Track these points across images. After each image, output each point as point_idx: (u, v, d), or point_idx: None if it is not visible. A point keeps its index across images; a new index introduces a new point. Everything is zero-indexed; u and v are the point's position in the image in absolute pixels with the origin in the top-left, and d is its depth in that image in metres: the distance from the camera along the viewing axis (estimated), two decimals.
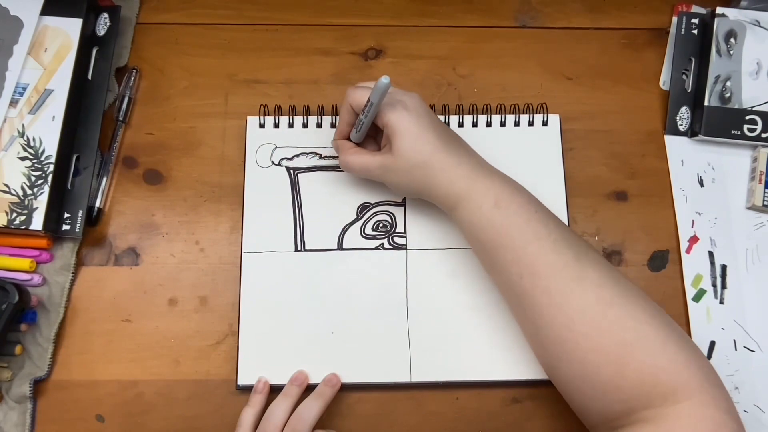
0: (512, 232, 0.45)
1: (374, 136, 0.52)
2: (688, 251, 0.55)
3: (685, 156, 0.57)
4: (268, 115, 0.56)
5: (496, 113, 0.57)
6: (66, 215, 0.53)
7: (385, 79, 0.43)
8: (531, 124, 0.57)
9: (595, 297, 0.43)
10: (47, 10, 0.55)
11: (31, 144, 0.52)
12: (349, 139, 0.52)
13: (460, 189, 0.47)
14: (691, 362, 0.41)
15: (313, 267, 0.53)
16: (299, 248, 0.53)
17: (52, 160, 0.52)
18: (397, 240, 0.54)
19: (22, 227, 0.50)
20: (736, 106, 0.56)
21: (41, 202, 0.51)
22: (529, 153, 0.56)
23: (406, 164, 0.47)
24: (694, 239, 0.55)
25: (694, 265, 0.54)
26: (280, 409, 0.47)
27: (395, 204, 0.55)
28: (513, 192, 0.47)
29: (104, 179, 0.55)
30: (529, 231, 0.45)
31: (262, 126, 0.56)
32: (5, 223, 0.50)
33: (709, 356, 0.52)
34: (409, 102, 0.48)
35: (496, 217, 0.45)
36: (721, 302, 0.54)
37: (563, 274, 0.43)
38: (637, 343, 0.41)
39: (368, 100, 0.46)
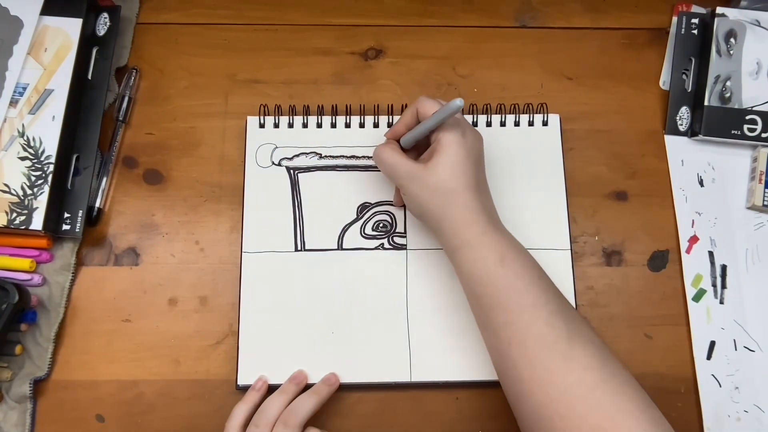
0: (510, 295, 0.44)
1: (417, 146, 0.51)
2: (688, 251, 0.55)
3: (685, 156, 0.57)
4: (268, 115, 0.56)
5: (496, 113, 0.57)
6: (66, 215, 0.53)
7: (459, 102, 0.43)
8: (531, 124, 0.57)
9: (579, 379, 0.41)
10: (47, 10, 0.55)
11: (31, 144, 0.52)
12: (398, 141, 0.51)
13: (472, 234, 0.45)
14: None
15: (313, 267, 0.53)
16: (299, 248, 0.53)
17: (52, 160, 0.52)
18: (397, 240, 0.54)
19: (22, 227, 0.50)
20: (736, 106, 0.56)
21: (41, 202, 0.51)
22: (529, 153, 0.56)
23: (435, 183, 0.46)
24: (694, 239, 0.55)
25: (694, 265, 0.54)
26: (275, 404, 0.47)
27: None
28: (519, 253, 0.46)
29: (104, 179, 0.55)
30: (528, 297, 0.44)
31: (262, 126, 0.56)
32: (5, 223, 0.50)
33: (709, 356, 0.52)
34: (470, 134, 0.47)
35: (499, 274, 0.44)
36: (721, 302, 0.54)
37: (551, 350, 0.42)
38: (614, 430, 0.40)
39: (435, 113, 0.46)
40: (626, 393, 0.42)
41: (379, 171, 0.55)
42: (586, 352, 0.43)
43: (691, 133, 0.58)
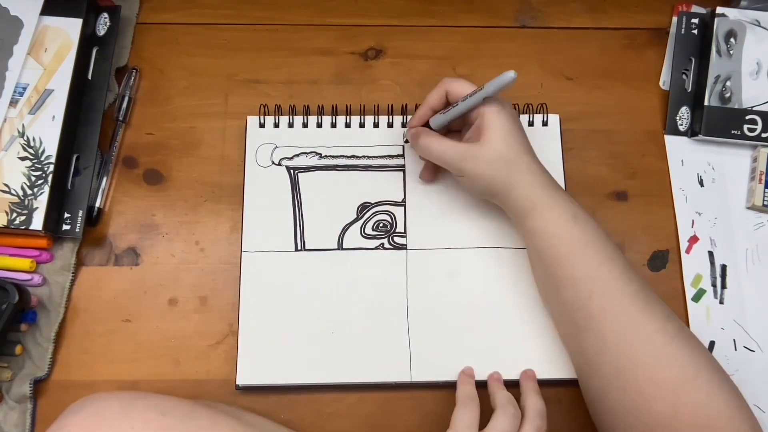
0: (588, 250, 0.45)
1: (445, 132, 0.52)
2: (688, 251, 0.55)
3: (685, 156, 0.57)
4: (268, 114, 0.56)
5: None
6: (66, 215, 0.53)
7: (512, 74, 0.44)
8: (531, 124, 0.57)
9: (661, 328, 0.43)
10: (47, 10, 0.55)
11: (31, 144, 0.52)
12: (426, 125, 0.52)
13: (542, 195, 0.47)
14: (743, 408, 0.41)
15: (313, 267, 0.53)
16: (299, 248, 0.53)
17: (52, 160, 0.52)
18: (397, 240, 0.54)
19: (22, 227, 0.50)
20: (736, 106, 0.56)
21: (41, 202, 0.51)
22: None
23: (493, 155, 0.47)
24: (694, 239, 0.55)
25: (694, 265, 0.54)
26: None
27: (395, 204, 0.55)
28: (586, 212, 0.47)
29: (104, 179, 0.55)
30: (604, 251, 0.45)
31: (262, 126, 0.56)
32: (5, 223, 0.50)
33: None
34: (507, 105, 0.49)
35: (575, 231, 0.46)
36: (721, 302, 0.54)
37: (633, 301, 0.43)
38: (695, 381, 0.41)
39: (479, 88, 0.47)
40: (696, 345, 0.43)
41: (379, 171, 0.55)
42: (660, 304, 0.44)
43: (691, 133, 0.58)
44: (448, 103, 0.50)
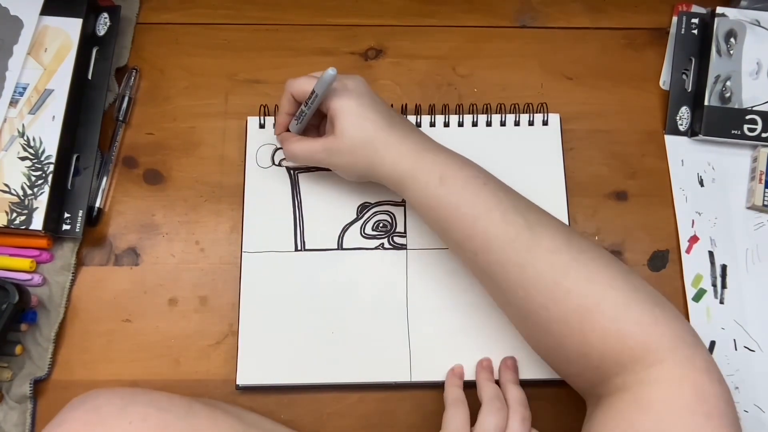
0: (461, 208, 0.44)
1: (317, 125, 0.53)
2: (688, 251, 0.55)
3: (685, 156, 0.57)
4: (269, 115, 0.56)
5: (496, 113, 0.57)
6: (66, 215, 0.53)
7: (332, 71, 0.44)
8: (531, 123, 0.57)
9: (549, 265, 0.42)
10: (47, 10, 0.55)
11: (31, 144, 0.52)
12: (288, 130, 0.53)
13: (406, 167, 0.46)
14: (660, 322, 0.40)
15: (313, 267, 0.53)
16: (299, 248, 0.53)
17: (52, 160, 0.52)
18: (397, 240, 0.54)
19: (22, 227, 0.50)
20: (736, 106, 0.56)
21: (41, 202, 0.51)
22: (529, 153, 0.56)
23: (349, 144, 0.47)
24: (694, 239, 0.55)
25: (694, 265, 0.54)
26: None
27: (395, 204, 0.55)
28: (461, 166, 0.46)
29: (104, 179, 0.55)
30: (478, 204, 0.44)
31: (262, 126, 0.56)
32: (5, 223, 0.50)
33: None
34: (351, 84, 0.48)
35: (443, 194, 0.45)
36: (721, 302, 0.54)
37: (515, 246, 0.43)
38: (597, 308, 0.40)
39: (312, 91, 0.47)
40: (599, 267, 0.42)
41: None
42: (551, 237, 0.43)
43: (691, 133, 0.58)
44: (299, 103, 0.50)
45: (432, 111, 0.57)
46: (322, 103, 0.48)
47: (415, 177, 0.46)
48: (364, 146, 0.47)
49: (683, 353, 0.39)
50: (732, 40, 0.57)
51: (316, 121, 0.52)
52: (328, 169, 0.55)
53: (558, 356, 0.44)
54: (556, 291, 0.41)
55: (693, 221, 0.55)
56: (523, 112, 0.57)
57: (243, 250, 0.53)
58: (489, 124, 0.57)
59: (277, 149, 0.56)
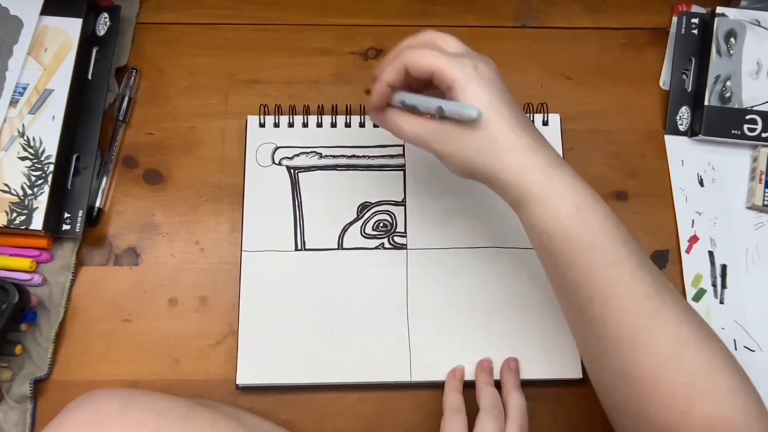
0: (591, 251, 0.39)
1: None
2: (688, 251, 0.55)
3: (685, 156, 0.57)
4: (269, 114, 0.56)
5: None
6: (66, 215, 0.53)
7: (473, 113, 0.38)
8: None
9: (673, 336, 0.38)
10: (47, 10, 0.55)
11: (31, 144, 0.52)
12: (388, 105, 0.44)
13: (534, 183, 0.39)
14: (762, 416, 0.38)
15: (313, 266, 0.53)
16: (299, 248, 0.53)
17: (52, 160, 0.52)
18: (398, 240, 0.54)
19: (22, 227, 0.50)
20: (736, 106, 0.56)
21: (41, 202, 0.51)
22: None
23: (470, 133, 0.40)
24: (694, 239, 0.55)
25: (694, 265, 0.54)
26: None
27: (395, 204, 0.55)
28: (594, 200, 0.40)
29: (104, 179, 0.55)
30: (611, 252, 0.39)
31: (262, 125, 0.56)
32: (5, 223, 0.50)
33: None
34: (483, 68, 0.41)
35: (575, 230, 0.39)
36: (721, 302, 0.54)
37: (642, 307, 0.39)
38: (709, 391, 0.38)
39: (440, 108, 0.40)
40: (716, 348, 0.39)
41: (379, 170, 0.55)
42: (676, 305, 0.39)
43: (691, 133, 0.58)
44: (408, 77, 0.42)
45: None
46: (447, 81, 0.40)
47: (546, 198, 0.39)
48: (489, 144, 0.40)
49: None
50: (732, 40, 0.57)
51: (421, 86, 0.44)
52: (331, 168, 0.55)
53: (639, 425, 0.40)
54: (671, 363, 0.38)
55: (693, 221, 0.55)
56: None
57: (243, 249, 0.53)
58: None
59: (277, 148, 0.56)
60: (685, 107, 0.58)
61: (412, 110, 0.43)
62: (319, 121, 0.56)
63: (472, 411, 0.47)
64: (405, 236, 0.54)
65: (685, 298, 0.54)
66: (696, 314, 0.40)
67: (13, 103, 0.53)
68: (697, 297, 0.54)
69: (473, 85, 0.40)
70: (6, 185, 0.51)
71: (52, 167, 0.51)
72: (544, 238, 0.40)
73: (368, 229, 0.54)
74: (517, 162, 0.40)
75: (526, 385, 0.50)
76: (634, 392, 0.39)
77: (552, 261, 0.41)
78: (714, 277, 0.54)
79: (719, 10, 0.58)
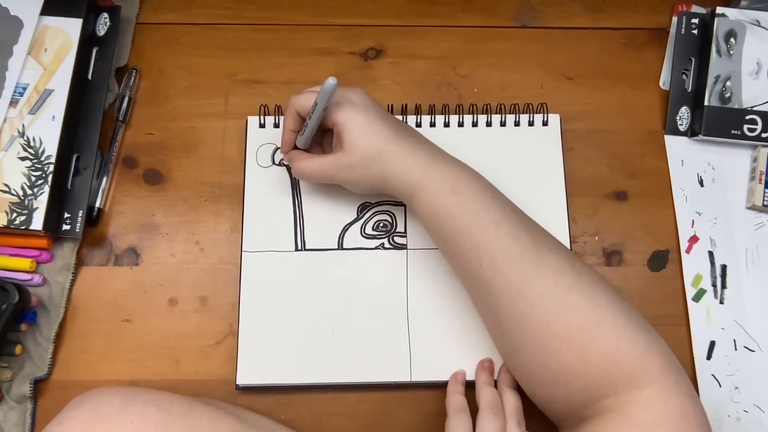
0: (470, 218, 0.45)
1: (320, 142, 0.53)
2: (688, 251, 0.55)
3: (685, 156, 0.57)
4: (269, 115, 0.56)
5: (496, 113, 0.57)
6: (66, 215, 0.53)
7: (332, 80, 0.43)
8: (531, 123, 0.57)
9: (554, 282, 0.43)
10: (47, 10, 0.55)
11: (31, 144, 0.52)
12: (295, 147, 0.52)
13: (416, 177, 0.46)
14: (652, 347, 0.41)
15: (314, 267, 0.53)
16: (299, 248, 0.53)
17: (52, 160, 0.52)
18: (398, 240, 0.54)
19: (22, 227, 0.50)
20: (736, 106, 0.56)
21: (41, 202, 0.51)
22: (529, 153, 0.56)
23: (360, 158, 0.47)
24: (694, 239, 0.55)
25: (694, 265, 0.54)
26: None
27: (396, 204, 0.55)
28: (470, 178, 0.47)
29: (104, 179, 0.55)
30: (487, 216, 0.45)
31: (262, 126, 0.56)
32: (5, 223, 0.50)
33: (709, 356, 0.52)
34: (355, 97, 0.48)
35: (453, 204, 0.45)
36: (721, 302, 0.54)
37: (522, 260, 0.43)
38: (598, 328, 0.41)
39: (314, 102, 0.46)
40: (599, 290, 0.43)
41: None
42: (554, 257, 0.44)
43: (691, 133, 0.58)
44: (303, 120, 0.49)
45: (432, 111, 0.57)
46: (327, 118, 0.48)
47: (427, 186, 0.46)
48: (375, 159, 0.47)
49: (671, 378, 0.40)
50: (732, 40, 0.57)
51: (318, 137, 0.52)
52: None
53: (548, 377, 0.43)
54: (560, 307, 0.42)
55: (693, 221, 0.55)
56: (523, 113, 0.57)
57: (243, 250, 0.53)
58: (489, 124, 0.57)
59: (277, 148, 0.56)
60: (685, 107, 0.58)
61: (309, 142, 0.51)
62: None
63: (472, 410, 0.47)
64: (405, 236, 0.54)
65: (685, 298, 0.54)
66: (580, 263, 0.45)
67: (13, 103, 0.53)
68: (697, 297, 0.54)
69: (349, 111, 0.47)
70: (6, 185, 0.51)
71: (52, 167, 0.51)
72: (433, 219, 0.46)
73: (368, 229, 0.54)
74: (400, 167, 0.47)
75: None
76: (536, 346, 0.43)
77: (443, 238, 0.47)
78: (714, 277, 0.54)
79: (719, 10, 0.58)
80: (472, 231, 0.45)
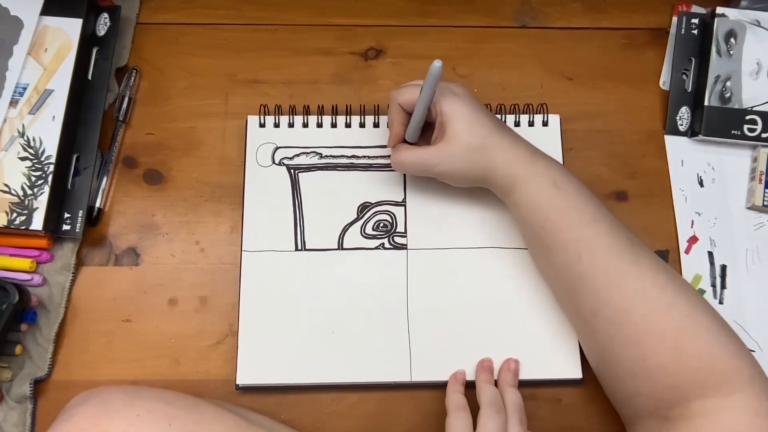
0: (572, 212, 0.46)
1: (421, 135, 0.52)
2: (687, 251, 0.55)
3: (685, 156, 0.57)
4: (269, 114, 0.56)
5: (496, 113, 0.57)
6: (66, 215, 0.53)
7: (438, 63, 0.43)
8: (531, 124, 0.57)
9: (652, 281, 0.43)
10: (47, 10, 0.55)
11: (31, 144, 0.52)
12: (404, 141, 0.52)
13: (519, 169, 0.47)
14: (743, 354, 0.42)
15: (314, 267, 0.53)
16: (299, 248, 0.53)
17: (52, 160, 0.52)
18: (398, 240, 0.54)
19: (23, 227, 0.50)
20: (736, 106, 0.56)
21: (41, 202, 0.51)
22: None
23: (463, 148, 0.47)
24: (693, 239, 0.55)
25: (693, 265, 0.54)
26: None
27: (396, 204, 0.55)
28: (569, 175, 0.47)
29: (104, 179, 0.55)
30: (587, 213, 0.46)
31: (262, 125, 0.56)
32: (5, 223, 0.50)
33: None
34: (458, 90, 0.49)
35: (556, 197, 0.46)
36: (721, 302, 0.54)
37: (621, 257, 0.44)
38: (693, 329, 0.42)
39: (421, 90, 0.46)
40: (692, 293, 0.44)
41: (379, 170, 0.55)
42: (649, 257, 0.45)
43: (691, 133, 0.58)
44: (409, 114, 0.50)
45: None
46: (434, 108, 0.48)
47: (530, 178, 0.47)
48: (478, 150, 0.47)
49: (761, 386, 0.41)
50: (732, 40, 0.57)
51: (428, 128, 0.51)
52: (331, 168, 0.55)
53: (638, 370, 0.43)
54: (658, 304, 0.43)
55: (693, 221, 0.55)
56: (523, 113, 0.57)
57: (243, 249, 0.53)
58: None
59: (277, 148, 0.56)
60: (685, 107, 0.58)
61: (419, 134, 0.50)
62: (319, 121, 0.56)
63: (473, 410, 0.47)
64: (405, 236, 0.54)
65: None
66: (669, 267, 0.46)
67: (13, 103, 0.53)
68: None
69: (455, 102, 0.47)
70: (6, 185, 0.51)
71: (52, 167, 0.51)
72: (533, 210, 0.47)
73: (368, 229, 0.54)
74: (503, 158, 0.47)
75: (527, 385, 0.50)
76: (631, 341, 0.43)
77: (542, 230, 0.47)
78: (714, 278, 0.54)
79: (719, 10, 0.58)
80: (574, 225, 0.45)
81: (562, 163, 0.55)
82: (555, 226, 0.46)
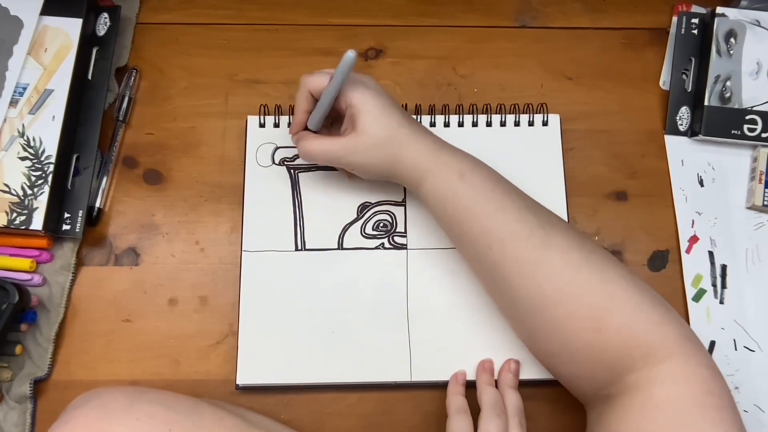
0: (478, 203, 0.45)
1: (328, 126, 0.52)
2: (688, 251, 0.55)
3: (685, 156, 0.57)
4: (269, 114, 0.56)
5: (496, 113, 0.57)
6: (66, 215, 0.53)
7: (351, 53, 0.43)
8: (531, 124, 0.57)
9: (563, 262, 0.43)
10: (47, 10, 0.55)
11: (31, 144, 0.52)
12: (306, 129, 0.51)
13: (426, 162, 0.47)
14: (666, 320, 0.42)
15: (314, 266, 0.53)
16: (299, 248, 0.53)
17: (52, 160, 0.52)
18: (398, 240, 0.54)
19: (23, 227, 0.50)
20: (736, 106, 0.56)
21: (41, 202, 0.51)
22: (529, 153, 0.56)
23: (371, 141, 0.47)
24: (694, 239, 0.55)
25: (694, 265, 0.54)
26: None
27: (396, 204, 0.55)
28: (475, 165, 0.47)
29: (104, 179, 0.55)
30: (494, 201, 0.45)
31: (262, 125, 0.56)
32: (5, 223, 0.50)
33: None
34: (369, 82, 0.49)
35: (462, 189, 0.46)
36: (721, 302, 0.54)
37: (529, 242, 0.44)
38: (610, 304, 0.42)
39: (331, 78, 0.46)
40: (609, 267, 0.43)
41: None
42: (562, 237, 0.44)
43: (691, 133, 0.58)
44: (316, 100, 0.49)
45: (432, 111, 0.57)
46: (341, 99, 0.47)
47: (436, 171, 0.47)
48: (387, 143, 0.47)
49: (689, 351, 0.41)
50: (732, 40, 0.57)
51: (327, 122, 0.51)
52: (331, 168, 0.55)
53: (567, 356, 0.44)
54: (571, 287, 0.42)
55: (693, 221, 0.55)
56: (523, 113, 0.57)
57: (243, 249, 0.53)
58: (489, 124, 0.57)
59: (277, 148, 0.56)
60: (685, 107, 0.58)
61: (322, 123, 0.50)
62: None
63: (473, 411, 0.47)
64: (405, 236, 0.54)
65: (685, 298, 0.54)
66: (589, 242, 0.45)
67: (13, 103, 0.53)
68: (697, 297, 0.54)
69: (365, 93, 0.47)
70: (6, 185, 0.51)
71: (52, 167, 0.51)
72: (441, 204, 0.47)
73: (368, 229, 0.54)
74: (411, 151, 0.47)
75: (527, 385, 0.50)
76: (551, 327, 0.43)
77: (452, 223, 0.47)
78: (714, 277, 0.54)
79: (719, 10, 0.58)
80: (481, 215, 0.45)
81: (562, 163, 0.56)
82: (463, 217, 0.46)
